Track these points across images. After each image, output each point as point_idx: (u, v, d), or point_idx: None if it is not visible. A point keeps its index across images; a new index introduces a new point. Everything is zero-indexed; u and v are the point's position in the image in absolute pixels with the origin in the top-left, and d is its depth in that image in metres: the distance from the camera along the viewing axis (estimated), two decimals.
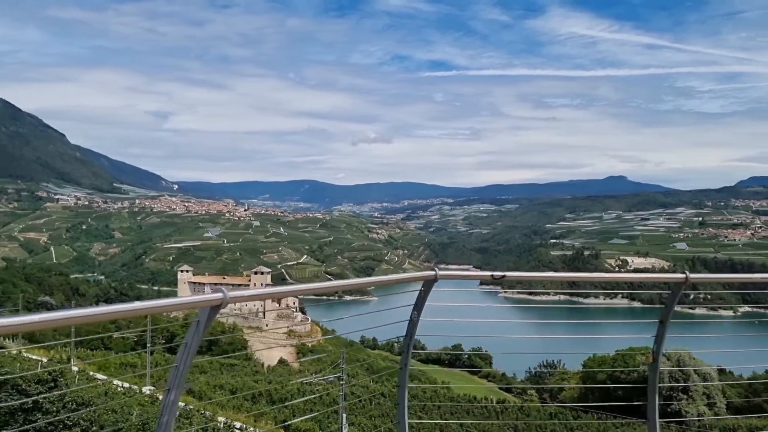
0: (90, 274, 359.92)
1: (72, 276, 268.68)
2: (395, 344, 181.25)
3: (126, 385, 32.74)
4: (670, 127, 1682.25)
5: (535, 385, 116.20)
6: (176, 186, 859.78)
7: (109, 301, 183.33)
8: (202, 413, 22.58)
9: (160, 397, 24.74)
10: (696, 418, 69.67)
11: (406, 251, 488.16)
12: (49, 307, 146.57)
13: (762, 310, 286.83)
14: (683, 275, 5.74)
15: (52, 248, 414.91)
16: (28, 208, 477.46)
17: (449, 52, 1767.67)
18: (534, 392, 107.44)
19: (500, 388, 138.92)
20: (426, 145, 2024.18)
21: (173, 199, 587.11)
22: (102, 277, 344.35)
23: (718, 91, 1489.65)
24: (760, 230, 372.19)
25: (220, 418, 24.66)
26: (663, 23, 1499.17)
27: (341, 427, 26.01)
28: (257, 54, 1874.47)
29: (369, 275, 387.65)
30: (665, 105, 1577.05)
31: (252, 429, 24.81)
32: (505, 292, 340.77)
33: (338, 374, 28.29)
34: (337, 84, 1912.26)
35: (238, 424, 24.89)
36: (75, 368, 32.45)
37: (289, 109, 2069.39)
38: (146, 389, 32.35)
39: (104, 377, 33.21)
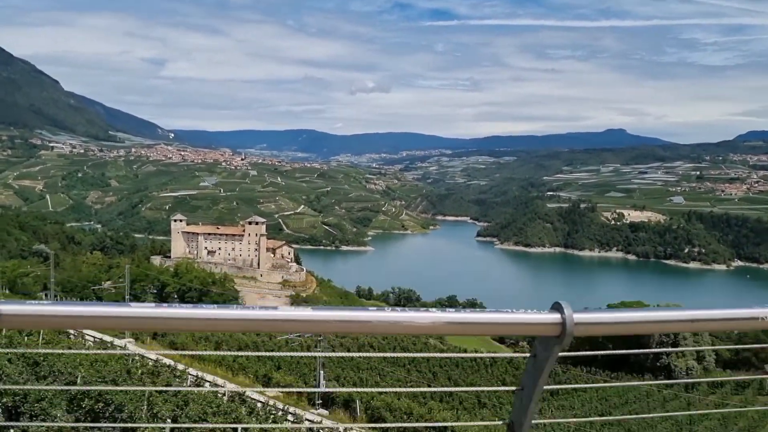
0: (86, 223, 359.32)
1: (68, 224, 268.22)
2: (390, 294, 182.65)
3: (104, 338, 32.00)
4: (672, 80, 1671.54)
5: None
6: (172, 134, 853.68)
7: (104, 249, 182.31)
8: (172, 366, 21.88)
9: (134, 349, 23.87)
10: (686, 379, 70.13)
11: (403, 202, 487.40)
12: (46, 256, 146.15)
13: (755, 265, 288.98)
14: (558, 318, 2.24)
15: (47, 196, 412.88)
16: (23, 155, 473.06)
17: (451, 0, 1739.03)
18: (525, 345, 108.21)
19: (494, 340, 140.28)
20: (425, 95, 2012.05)
21: (169, 147, 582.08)
22: (98, 225, 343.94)
23: (723, 44, 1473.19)
24: (756, 185, 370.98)
25: (192, 371, 23.98)
26: None
27: (318, 383, 25.43)
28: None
29: (366, 226, 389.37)
30: (668, 57, 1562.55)
31: (221, 382, 24.13)
32: (501, 243, 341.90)
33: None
34: (336, 32, 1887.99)
35: (210, 378, 24.24)
36: None
37: (287, 56, 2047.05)
38: (124, 342, 31.70)
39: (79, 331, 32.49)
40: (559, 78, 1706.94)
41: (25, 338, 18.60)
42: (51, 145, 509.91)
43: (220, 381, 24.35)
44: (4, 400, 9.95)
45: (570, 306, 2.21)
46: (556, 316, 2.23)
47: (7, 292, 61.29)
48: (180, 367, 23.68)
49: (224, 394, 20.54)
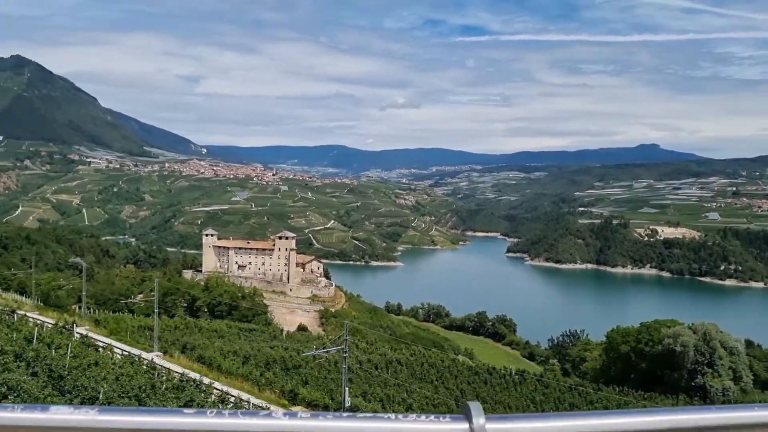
0: (121, 237, 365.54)
1: (103, 238, 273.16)
2: (420, 310, 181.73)
3: (133, 351, 32.28)
4: (707, 95, 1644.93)
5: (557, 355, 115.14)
6: (205, 150, 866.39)
7: (137, 263, 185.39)
8: (197, 381, 21.96)
9: (160, 363, 23.97)
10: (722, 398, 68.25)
11: (433, 218, 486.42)
12: (81, 269, 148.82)
13: None
14: (465, 429, 1.55)
15: (84, 210, 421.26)
16: (61, 170, 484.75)
17: (483, 16, 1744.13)
18: (556, 362, 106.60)
19: (523, 356, 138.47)
20: (456, 111, 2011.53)
21: (202, 162, 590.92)
22: (132, 239, 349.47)
23: (758, 57, 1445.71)
24: None
25: (218, 386, 23.99)
26: None
27: (344, 399, 25.28)
28: (291, 18, 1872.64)
29: (395, 241, 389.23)
30: (703, 72, 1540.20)
31: (246, 397, 24.09)
32: (531, 259, 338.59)
33: (341, 347, 27.38)
34: (368, 49, 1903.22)
35: (234, 392, 24.25)
36: (79, 333, 32.11)
37: (320, 73, 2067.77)
38: (152, 355, 31.88)
39: (108, 341, 32.84)
40: (591, 93, 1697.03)
41: (53, 352, 18.85)
42: (88, 160, 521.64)
43: (245, 396, 24.39)
44: None
45: (482, 411, 1.58)
46: (462, 427, 1.57)
47: (41, 304, 62.51)
48: (206, 381, 23.77)
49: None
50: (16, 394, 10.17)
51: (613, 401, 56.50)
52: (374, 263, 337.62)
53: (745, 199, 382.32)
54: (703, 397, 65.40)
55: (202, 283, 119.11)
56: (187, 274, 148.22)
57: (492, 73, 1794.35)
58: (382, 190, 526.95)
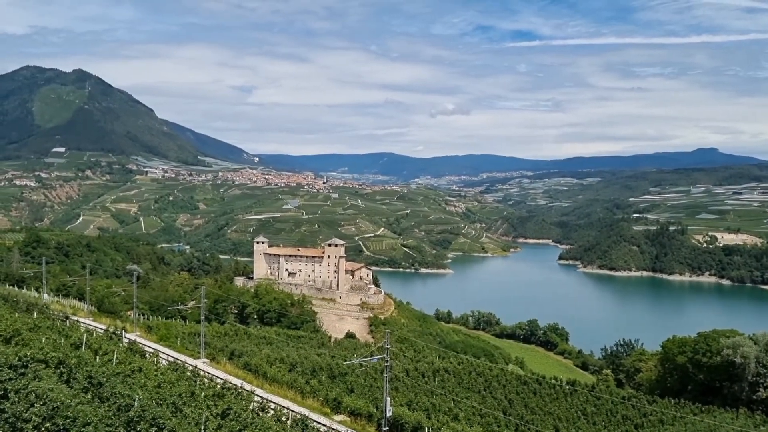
0: (176, 244, 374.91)
1: (159, 246, 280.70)
2: (470, 318, 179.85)
3: (180, 357, 32.66)
4: None
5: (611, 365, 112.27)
6: (257, 159, 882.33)
7: (191, 270, 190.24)
8: (238, 389, 22.01)
9: (205, 370, 24.17)
10: None
11: (483, 225, 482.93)
12: (138, 276, 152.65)
13: None
14: None
15: (141, 219, 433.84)
16: (119, 180, 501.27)
17: (534, 21, 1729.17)
18: (609, 372, 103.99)
19: (576, 366, 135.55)
20: (506, 116, 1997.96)
21: (254, 171, 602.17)
22: (187, 247, 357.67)
23: None
24: None
25: (260, 393, 24.02)
26: None
27: (385, 408, 24.99)
28: (341, 27, 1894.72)
29: (445, 248, 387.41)
30: (765, 72, 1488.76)
31: (287, 405, 24.01)
32: (584, 267, 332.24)
33: (383, 356, 27.13)
34: (418, 56, 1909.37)
35: (276, 400, 24.23)
36: (127, 338, 32.72)
37: (369, 81, 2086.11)
38: (198, 361, 32.20)
39: (156, 348, 33.35)
40: (646, 97, 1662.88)
41: (97, 359, 19.20)
42: (145, 170, 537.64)
43: (285, 404, 24.35)
44: (48, 424, 10.14)
45: None
46: None
47: (95, 309, 64.30)
48: (247, 388, 23.84)
49: (288, 418, 20.48)
50: (42, 402, 10.33)
51: (669, 414, 54.61)
52: (424, 270, 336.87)
53: None
54: (765, 411, 62.63)
55: (252, 290, 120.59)
56: (239, 281, 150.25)
57: (543, 79, 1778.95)
58: (432, 197, 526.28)
